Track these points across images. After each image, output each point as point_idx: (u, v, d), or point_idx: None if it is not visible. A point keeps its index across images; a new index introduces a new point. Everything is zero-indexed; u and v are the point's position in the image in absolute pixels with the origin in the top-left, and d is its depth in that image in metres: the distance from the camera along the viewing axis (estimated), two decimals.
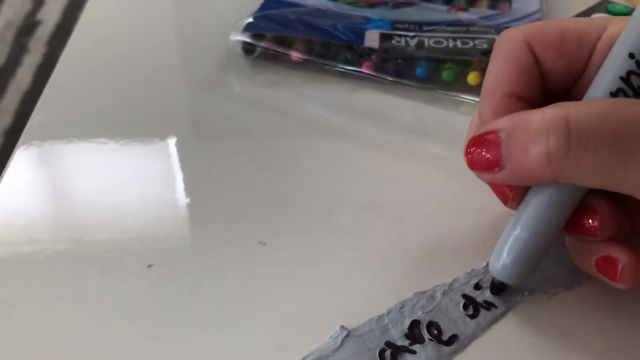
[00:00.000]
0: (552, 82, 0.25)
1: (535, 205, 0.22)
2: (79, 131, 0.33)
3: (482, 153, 0.22)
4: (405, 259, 0.26)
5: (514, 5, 0.41)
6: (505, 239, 0.23)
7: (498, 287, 0.24)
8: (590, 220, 0.22)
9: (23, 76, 1.30)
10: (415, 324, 0.23)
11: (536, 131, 0.21)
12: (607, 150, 0.20)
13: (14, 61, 1.33)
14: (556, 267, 0.25)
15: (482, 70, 0.34)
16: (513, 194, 0.23)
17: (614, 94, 0.22)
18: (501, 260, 0.23)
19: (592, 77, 0.23)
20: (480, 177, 0.23)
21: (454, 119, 0.34)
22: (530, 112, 0.22)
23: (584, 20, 0.25)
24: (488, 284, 0.25)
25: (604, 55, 0.23)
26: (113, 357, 0.23)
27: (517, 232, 0.23)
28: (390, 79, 0.35)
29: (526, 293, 0.25)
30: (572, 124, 0.20)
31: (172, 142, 0.32)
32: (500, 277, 0.23)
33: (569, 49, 0.24)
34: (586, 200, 0.22)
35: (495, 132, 0.22)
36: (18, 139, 0.32)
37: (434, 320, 0.24)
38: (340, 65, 0.36)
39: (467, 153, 0.23)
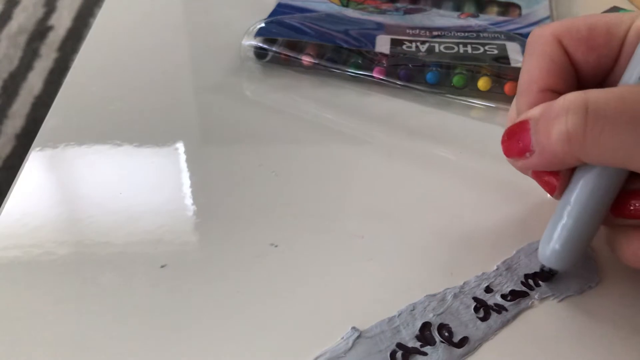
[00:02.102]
0: (584, 75, 0.25)
1: (578, 192, 0.23)
2: (93, 134, 0.33)
3: (515, 140, 0.24)
4: (415, 262, 0.26)
5: (524, 11, 0.41)
6: (553, 227, 0.24)
7: (548, 274, 0.25)
8: (639, 204, 0.23)
9: (34, 81, 1.31)
10: (426, 325, 0.24)
11: (557, 113, 0.22)
12: (625, 130, 0.21)
13: (25, 66, 1.34)
14: (567, 272, 0.26)
15: (493, 76, 0.35)
16: (559, 183, 0.24)
17: None
18: (550, 246, 0.24)
19: (623, 68, 0.24)
20: (515, 165, 0.25)
21: (464, 124, 0.34)
22: (557, 99, 0.22)
23: (612, 14, 0.25)
24: (498, 288, 0.25)
25: (634, 46, 0.24)
26: (125, 357, 0.23)
27: (563, 220, 0.23)
28: (400, 83, 0.35)
29: (536, 296, 0.25)
30: (590, 104, 0.21)
31: (184, 145, 0.33)
32: (549, 264, 0.24)
33: (598, 42, 0.25)
34: (633, 184, 0.23)
35: (527, 120, 0.23)
36: (29, 143, 0.33)
37: (445, 322, 0.24)
38: (351, 70, 0.36)
39: (502, 142, 0.24)
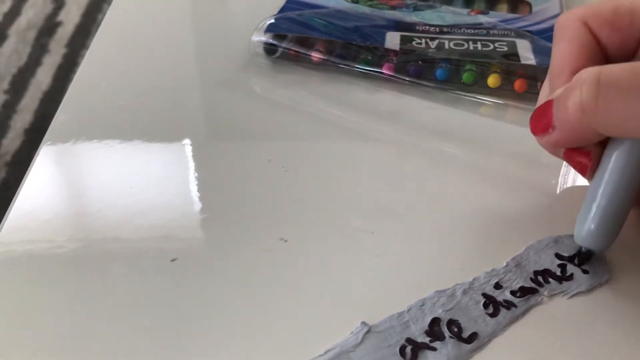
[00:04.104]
0: (611, 58, 0.26)
1: (610, 171, 0.24)
2: (103, 129, 0.33)
3: (540, 118, 0.25)
4: (424, 258, 0.26)
5: (534, 9, 0.41)
6: (587, 208, 0.24)
7: (584, 255, 0.25)
8: None
9: (43, 76, 1.31)
10: (435, 321, 0.24)
11: (573, 86, 0.23)
12: (636, 100, 0.21)
13: (34, 61, 1.35)
14: (576, 269, 0.25)
15: (503, 73, 0.35)
16: (592, 164, 0.25)
17: None
18: (585, 226, 0.24)
19: None
20: (541, 142, 0.26)
21: (474, 121, 0.34)
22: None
23: None
24: (508, 284, 0.25)
25: None
26: (135, 350, 0.23)
27: (597, 200, 0.24)
28: (410, 80, 0.35)
29: (546, 293, 0.25)
30: (602, 75, 0.22)
31: (193, 140, 0.33)
32: (585, 244, 0.25)
33: (622, 23, 0.25)
34: None
35: (552, 100, 0.24)
36: (37, 138, 0.33)
37: (454, 318, 0.24)
38: (361, 66, 0.36)
39: (530, 121, 0.25)
